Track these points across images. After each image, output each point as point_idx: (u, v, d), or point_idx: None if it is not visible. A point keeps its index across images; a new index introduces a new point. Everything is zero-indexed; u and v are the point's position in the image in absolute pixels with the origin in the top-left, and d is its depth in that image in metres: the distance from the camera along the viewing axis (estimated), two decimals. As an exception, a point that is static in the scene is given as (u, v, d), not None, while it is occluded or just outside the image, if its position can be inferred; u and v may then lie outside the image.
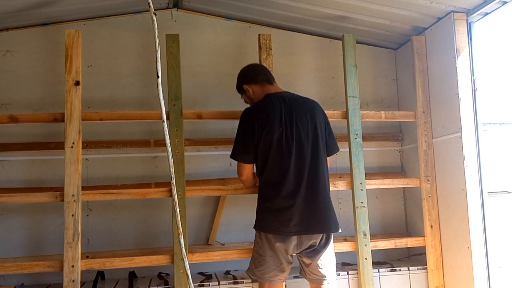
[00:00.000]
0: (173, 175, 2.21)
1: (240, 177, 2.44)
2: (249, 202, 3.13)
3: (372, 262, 2.77)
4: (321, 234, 2.26)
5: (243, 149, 2.32)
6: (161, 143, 2.96)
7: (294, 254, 2.30)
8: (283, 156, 2.24)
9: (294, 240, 2.22)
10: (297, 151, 2.25)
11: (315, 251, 2.27)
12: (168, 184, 2.38)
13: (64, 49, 2.58)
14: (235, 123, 3.13)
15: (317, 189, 2.26)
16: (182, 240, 2.08)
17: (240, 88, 2.52)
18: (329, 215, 2.28)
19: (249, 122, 2.32)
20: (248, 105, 2.52)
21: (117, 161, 3.05)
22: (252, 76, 2.47)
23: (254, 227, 2.34)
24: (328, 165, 2.40)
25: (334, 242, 2.89)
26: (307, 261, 2.30)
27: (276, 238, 2.22)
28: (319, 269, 2.29)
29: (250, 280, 2.72)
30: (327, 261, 2.30)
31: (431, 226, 2.91)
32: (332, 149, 2.42)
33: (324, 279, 2.30)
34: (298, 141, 2.26)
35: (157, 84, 2.17)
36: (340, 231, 2.35)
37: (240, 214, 3.14)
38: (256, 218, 2.33)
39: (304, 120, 2.30)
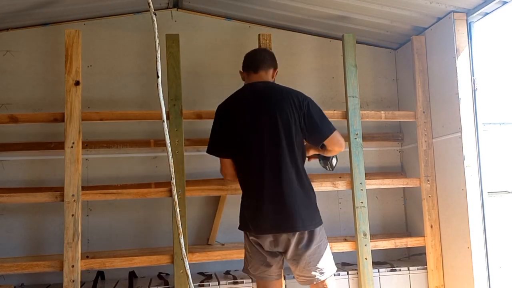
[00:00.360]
0: (173, 175, 2.21)
1: (224, 176, 2.34)
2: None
3: (372, 262, 2.77)
4: (296, 233, 2.11)
5: (212, 141, 2.29)
6: (161, 143, 2.96)
7: (279, 251, 2.18)
8: (246, 151, 2.18)
9: (268, 237, 2.13)
10: (257, 146, 2.15)
11: (297, 254, 2.14)
12: (168, 184, 2.38)
13: (64, 49, 2.58)
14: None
15: (280, 187, 2.11)
16: (182, 240, 2.08)
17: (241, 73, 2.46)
18: (297, 213, 2.10)
19: (217, 115, 2.30)
20: None
21: (117, 161, 3.05)
22: (244, 63, 2.41)
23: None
24: (329, 154, 2.34)
25: (334, 242, 2.91)
26: (292, 264, 2.18)
27: (252, 235, 2.18)
28: (307, 270, 2.16)
29: (250, 280, 2.72)
30: (313, 260, 2.15)
31: (431, 226, 2.91)
32: (316, 140, 2.27)
33: (313, 278, 2.16)
34: (259, 135, 2.16)
35: (157, 84, 2.17)
36: (317, 228, 2.15)
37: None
38: (239, 217, 2.28)
39: (269, 113, 2.17)
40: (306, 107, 2.22)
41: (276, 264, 2.22)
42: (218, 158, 2.30)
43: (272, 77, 2.39)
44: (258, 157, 2.15)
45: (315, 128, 2.22)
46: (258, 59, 2.37)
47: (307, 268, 2.15)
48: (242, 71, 2.42)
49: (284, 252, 2.17)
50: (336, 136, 2.26)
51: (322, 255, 2.18)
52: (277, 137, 2.15)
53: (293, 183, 2.13)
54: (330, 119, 2.86)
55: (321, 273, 2.15)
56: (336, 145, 2.28)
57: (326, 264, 2.18)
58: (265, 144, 2.15)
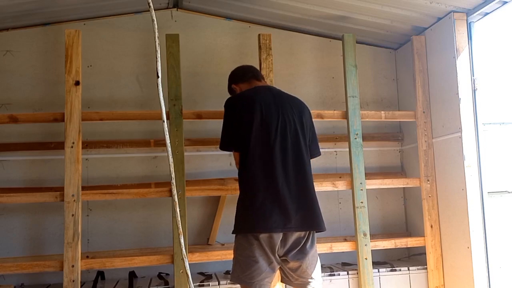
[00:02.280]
0: (173, 175, 2.21)
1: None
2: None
3: (372, 262, 2.77)
4: (306, 232, 2.08)
5: (228, 136, 2.20)
6: (161, 143, 2.96)
7: (279, 254, 2.08)
8: (265, 145, 2.10)
9: (280, 236, 2.03)
10: (280, 142, 2.11)
11: (303, 252, 2.08)
12: (168, 184, 2.38)
13: (64, 49, 2.58)
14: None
15: (303, 185, 2.11)
16: (182, 240, 2.08)
17: (230, 89, 2.45)
18: (316, 212, 2.11)
19: (230, 109, 2.21)
20: None
21: (117, 161, 3.05)
22: (240, 75, 2.39)
23: (234, 232, 2.10)
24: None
25: (334, 242, 2.92)
26: (295, 264, 2.09)
27: (262, 236, 2.02)
28: (308, 272, 2.10)
29: (250, 280, 2.72)
30: (314, 262, 2.12)
31: (431, 226, 2.91)
32: (314, 152, 2.29)
33: (312, 281, 2.12)
34: (282, 132, 2.12)
35: (157, 84, 2.18)
36: (325, 230, 2.14)
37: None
38: (237, 220, 2.10)
39: (290, 114, 2.17)
40: (312, 121, 2.31)
41: (275, 272, 2.13)
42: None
43: None
44: (281, 155, 2.10)
45: (314, 143, 2.29)
46: (257, 70, 2.44)
47: (308, 270, 2.11)
48: (237, 84, 2.37)
49: (285, 254, 2.08)
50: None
51: (317, 259, 2.17)
52: (297, 136, 2.16)
53: (311, 182, 2.17)
54: (330, 119, 2.89)
55: (317, 280, 2.14)
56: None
57: (319, 270, 2.17)
58: (289, 142, 2.13)
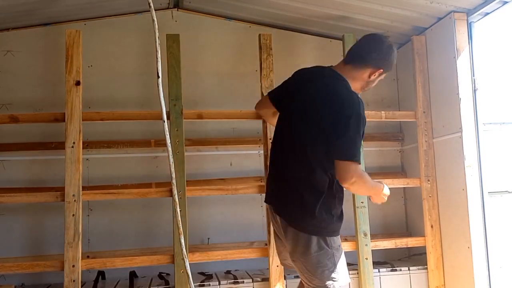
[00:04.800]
0: (173, 175, 2.22)
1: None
2: (248, 202, 3.15)
3: (373, 262, 2.77)
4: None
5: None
6: (161, 143, 2.96)
7: None
8: None
9: None
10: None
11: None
12: (169, 184, 2.38)
13: (65, 49, 2.58)
14: (236, 123, 3.16)
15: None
16: (182, 240, 2.09)
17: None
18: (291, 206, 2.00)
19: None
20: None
21: (117, 161, 3.06)
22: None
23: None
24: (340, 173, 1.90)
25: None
26: None
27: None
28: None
29: (251, 280, 2.73)
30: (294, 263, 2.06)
31: (432, 226, 2.91)
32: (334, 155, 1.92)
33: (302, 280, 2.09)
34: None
35: (157, 84, 2.18)
36: (306, 234, 1.98)
37: (240, 214, 3.14)
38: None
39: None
40: (343, 119, 2.03)
41: None
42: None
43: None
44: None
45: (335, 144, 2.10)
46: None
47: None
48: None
49: None
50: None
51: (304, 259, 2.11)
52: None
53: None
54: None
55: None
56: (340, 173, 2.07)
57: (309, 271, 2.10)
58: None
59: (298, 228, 2.00)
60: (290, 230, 2.02)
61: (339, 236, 2.11)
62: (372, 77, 2.12)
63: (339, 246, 2.09)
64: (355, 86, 2.11)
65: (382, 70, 2.11)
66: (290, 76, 2.25)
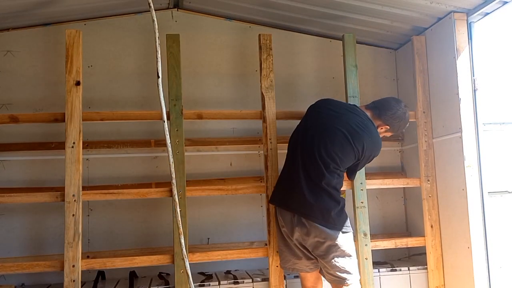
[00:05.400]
0: (173, 175, 2.22)
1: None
2: (248, 202, 3.15)
3: (373, 262, 2.77)
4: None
5: None
6: (161, 143, 2.96)
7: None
8: None
9: None
10: None
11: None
12: (169, 184, 2.38)
13: (65, 49, 2.58)
14: (235, 123, 3.16)
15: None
16: (182, 240, 2.09)
17: (391, 129, 2.62)
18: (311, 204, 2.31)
19: None
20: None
21: (117, 161, 3.06)
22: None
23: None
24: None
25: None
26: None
27: None
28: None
29: (251, 280, 2.73)
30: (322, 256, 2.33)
31: (431, 226, 2.91)
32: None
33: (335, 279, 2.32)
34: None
35: (157, 84, 2.18)
36: (329, 230, 2.27)
37: (240, 214, 3.14)
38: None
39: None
40: (365, 153, 2.50)
41: None
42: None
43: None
44: None
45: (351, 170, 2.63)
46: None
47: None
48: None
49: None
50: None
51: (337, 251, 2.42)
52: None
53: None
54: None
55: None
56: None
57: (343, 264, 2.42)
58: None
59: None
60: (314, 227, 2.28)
61: None
62: (379, 130, 2.52)
63: None
64: None
65: (388, 127, 2.55)
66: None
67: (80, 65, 2.57)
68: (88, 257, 2.72)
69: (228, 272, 2.95)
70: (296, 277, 2.72)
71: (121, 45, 3.16)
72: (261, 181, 3.03)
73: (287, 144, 2.51)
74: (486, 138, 2.71)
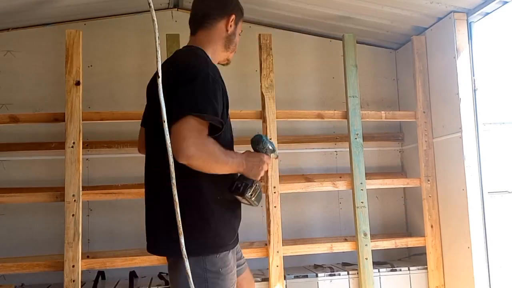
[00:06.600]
0: (173, 175, 2.21)
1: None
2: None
3: (373, 262, 2.77)
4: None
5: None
6: (161, 143, 2.96)
7: None
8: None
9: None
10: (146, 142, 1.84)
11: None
12: (169, 184, 2.37)
13: (65, 49, 2.58)
14: (235, 123, 3.13)
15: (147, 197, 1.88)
16: (182, 240, 2.08)
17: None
18: (153, 230, 1.79)
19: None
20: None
21: (117, 161, 3.06)
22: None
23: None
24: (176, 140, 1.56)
25: (334, 242, 2.91)
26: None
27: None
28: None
29: (251, 280, 2.72)
30: None
31: (432, 226, 2.91)
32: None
33: None
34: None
35: (157, 84, 2.17)
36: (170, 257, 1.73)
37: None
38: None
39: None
40: (180, 77, 1.69)
41: None
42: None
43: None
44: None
45: (173, 105, 1.62)
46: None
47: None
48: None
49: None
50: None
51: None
52: (152, 126, 1.91)
53: (156, 193, 1.96)
54: (330, 119, 2.83)
55: None
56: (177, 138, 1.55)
57: None
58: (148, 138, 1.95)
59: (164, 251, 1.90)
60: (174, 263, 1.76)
61: None
62: (229, 29, 1.83)
63: None
64: (218, 50, 1.87)
65: (234, 15, 1.83)
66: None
67: (80, 65, 2.57)
68: (88, 257, 2.72)
69: (228, 272, 2.94)
70: (296, 277, 2.72)
71: (121, 45, 3.16)
72: (260, 181, 3.02)
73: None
74: (486, 138, 2.71)
